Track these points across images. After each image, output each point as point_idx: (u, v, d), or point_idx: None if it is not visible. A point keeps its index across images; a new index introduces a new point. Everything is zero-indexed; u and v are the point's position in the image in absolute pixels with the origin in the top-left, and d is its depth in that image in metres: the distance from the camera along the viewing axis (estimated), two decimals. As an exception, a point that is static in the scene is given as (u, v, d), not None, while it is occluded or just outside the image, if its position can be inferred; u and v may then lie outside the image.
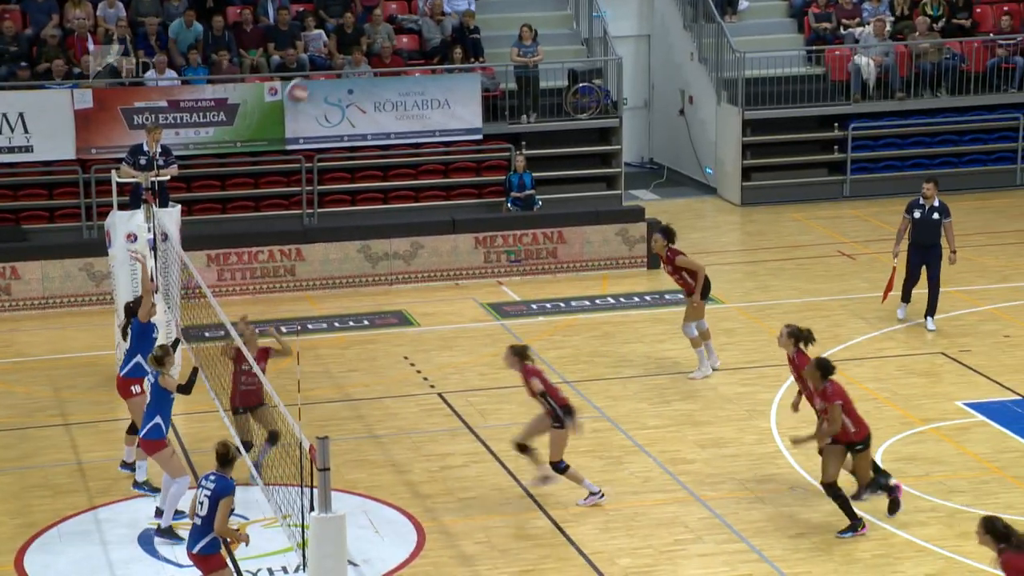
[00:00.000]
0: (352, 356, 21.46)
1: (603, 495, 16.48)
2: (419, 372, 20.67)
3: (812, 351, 16.50)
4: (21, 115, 25.02)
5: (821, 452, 15.78)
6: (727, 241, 27.26)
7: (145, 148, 21.56)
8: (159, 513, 15.87)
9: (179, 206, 20.88)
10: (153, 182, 20.21)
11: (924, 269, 21.76)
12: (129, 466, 17.14)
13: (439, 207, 26.43)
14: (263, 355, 16.71)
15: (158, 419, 15.67)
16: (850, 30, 29.92)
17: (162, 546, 15.61)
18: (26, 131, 25.06)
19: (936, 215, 21.59)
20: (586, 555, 15.42)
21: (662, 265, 20.60)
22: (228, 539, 13.56)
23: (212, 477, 13.52)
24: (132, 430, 17.00)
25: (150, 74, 25.95)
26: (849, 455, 15.74)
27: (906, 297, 22.01)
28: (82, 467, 17.73)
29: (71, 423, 19.14)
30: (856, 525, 15.65)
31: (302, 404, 14.94)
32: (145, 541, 15.80)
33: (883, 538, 15.67)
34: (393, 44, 27.57)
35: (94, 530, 16.09)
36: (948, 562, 15.17)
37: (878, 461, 17.04)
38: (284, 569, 15.15)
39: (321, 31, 27.63)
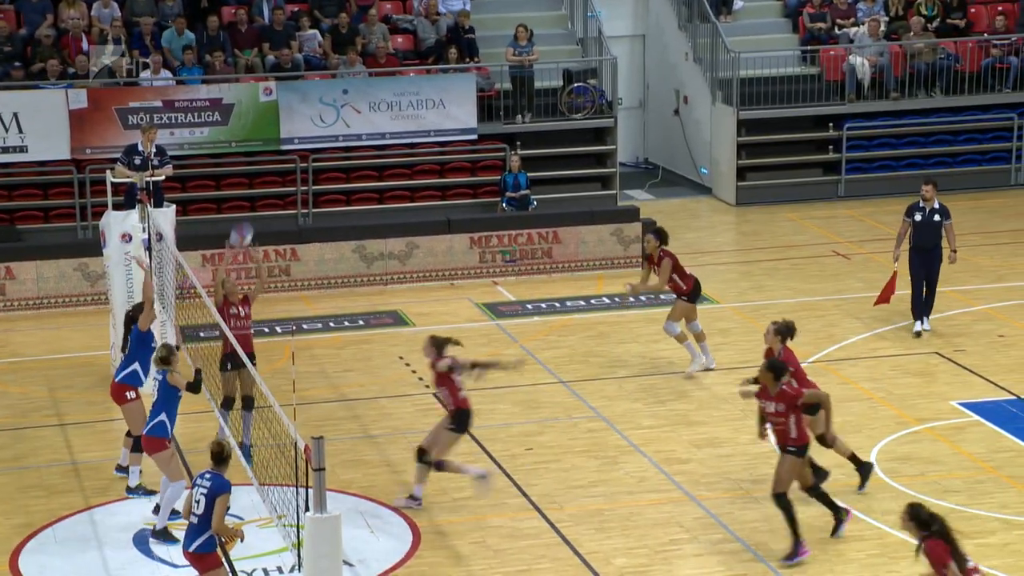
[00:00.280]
0: (347, 356, 21.46)
1: (420, 503, 16.38)
2: (414, 372, 20.66)
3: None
4: (16, 115, 25.02)
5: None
6: (722, 241, 27.26)
7: (140, 148, 21.60)
8: (158, 510, 15.88)
9: (174, 206, 20.89)
10: (148, 182, 20.16)
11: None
12: (124, 470, 17.11)
13: (434, 207, 26.42)
14: (245, 302, 17.88)
15: (163, 416, 15.62)
16: (845, 30, 29.91)
17: (157, 547, 15.61)
18: (21, 131, 25.06)
19: (937, 217, 21.42)
20: (581, 555, 15.42)
21: (651, 267, 20.37)
22: (223, 537, 13.56)
23: (208, 475, 13.51)
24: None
25: (145, 74, 25.94)
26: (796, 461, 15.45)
27: (918, 315, 21.69)
28: (77, 467, 17.72)
29: (67, 423, 19.12)
30: (840, 517, 15.59)
31: (297, 404, 14.95)
32: (140, 542, 15.80)
33: (878, 538, 15.68)
34: (388, 44, 27.55)
35: (90, 531, 16.08)
36: (943, 562, 15.18)
37: (873, 461, 17.11)
38: (279, 569, 15.14)
39: (316, 31, 27.61)
